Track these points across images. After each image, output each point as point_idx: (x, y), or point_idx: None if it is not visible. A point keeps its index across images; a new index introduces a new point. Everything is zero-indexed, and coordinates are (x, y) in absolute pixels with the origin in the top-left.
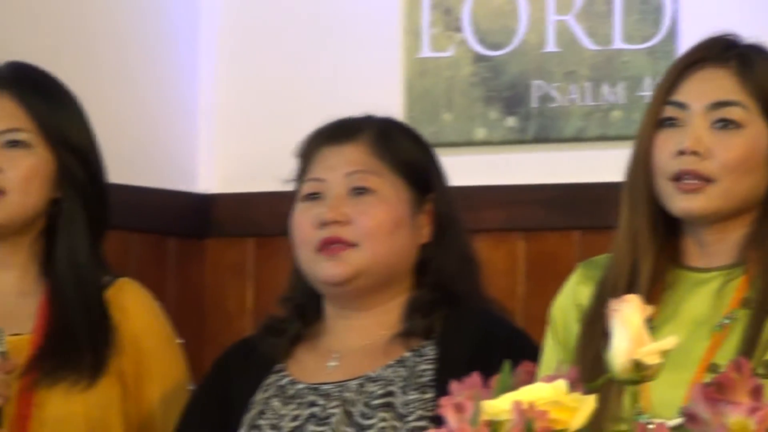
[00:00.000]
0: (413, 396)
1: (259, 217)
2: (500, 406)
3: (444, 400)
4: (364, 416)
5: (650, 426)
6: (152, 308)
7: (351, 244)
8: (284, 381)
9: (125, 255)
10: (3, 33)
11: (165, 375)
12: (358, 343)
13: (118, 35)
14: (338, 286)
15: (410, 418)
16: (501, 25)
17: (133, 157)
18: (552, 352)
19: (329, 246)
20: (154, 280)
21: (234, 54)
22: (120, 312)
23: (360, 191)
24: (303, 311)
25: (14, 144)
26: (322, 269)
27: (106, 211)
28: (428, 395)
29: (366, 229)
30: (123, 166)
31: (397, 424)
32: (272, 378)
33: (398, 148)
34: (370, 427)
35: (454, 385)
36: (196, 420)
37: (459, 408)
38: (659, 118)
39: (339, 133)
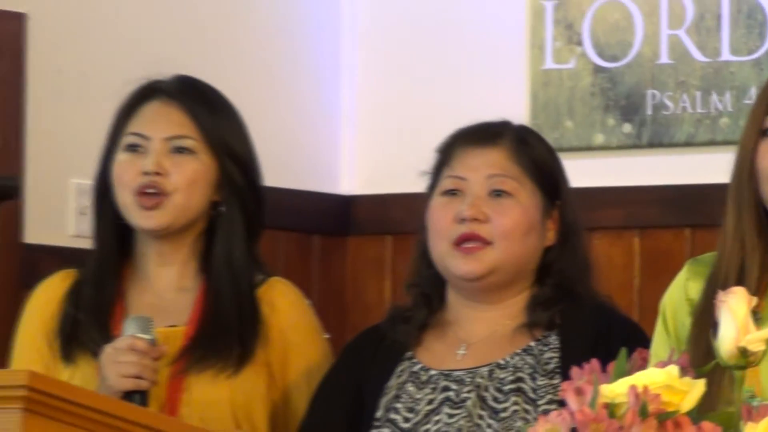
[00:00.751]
0: (542, 382)
1: (396, 216)
2: (617, 389)
3: (565, 385)
4: (497, 400)
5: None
6: (300, 305)
7: (487, 242)
8: (416, 367)
9: (274, 252)
10: (170, 49)
11: (310, 366)
12: (484, 332)
13: (267, 50)
14: (471, 282)
15: (541, 402)
16: (618, 39)
17: (281, 161)
18: (662, 341)
19: (466, 243)
20: (300, 275)
21: (373, 66)
22: (269, 308)
23: (498, 193)
24: (429, 299)
25: (180, 150)
26: (457, 265)
27: (262, 213)
28: (556, 381)
29: (502, 228)
30: (271, 170)
31: (528, 407)
32: (404, 364)
33: (535, 155)
34: (503, 410)
35: (574, 371)
36: (328, 400)
37: (579, 392)
38: (762, 128)
39: (482, 135)
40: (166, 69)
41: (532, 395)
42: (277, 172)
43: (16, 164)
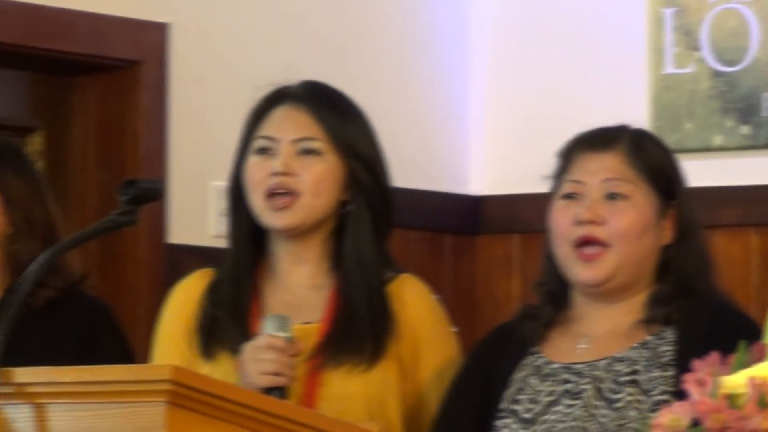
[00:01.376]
0: (656, 373)
1: (524, 216)
2: (737, 381)
3: (687, 376)
4: (613, 391)
5: None
6: (429, 300)
7: (604, 244)
8: (540, 361)
9: (406, 251)
10: (305, 55)
11: (440, 360)
12: (605, 328)
13: (397, 54)
14: (592, 287)
15: (654, 393)
16: (735, 44)
17: (413, 163)
18: None
19: (586, 249)
20: (431, 273)
21: (500, 69)
22: (400, 303)
23: (614, 196)
24: (554, 298)
25: (308, 152)
26: (579, 272)
27: (390, 212)
28: (669, 373)
29: (618, 230)
30: (403, 172)
31: (642, 398)
32: (529, 359)
33: (650, 158)
34: (618, 401)
35: (696, 363)
36: (459, 396)
37: (701, 383)
38: None
39: (599, 140)
40: (300, 74)
41: (646, 386)
42: (409, 173)
43: (160, 168)
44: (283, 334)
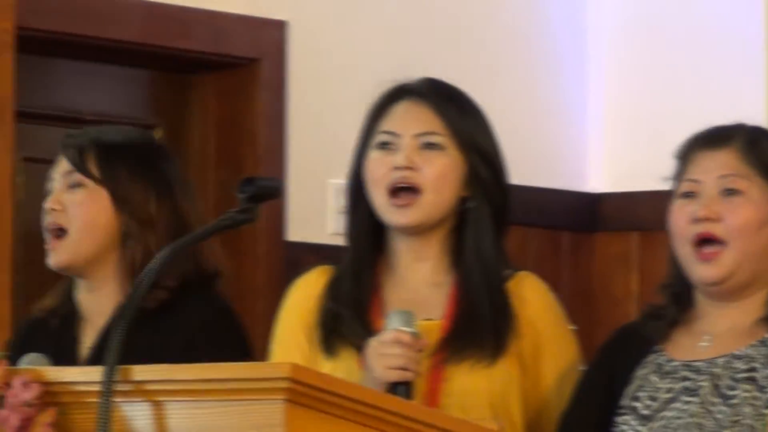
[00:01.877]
0: None
1: (643, 213)
2: None
3: None
4: (729, 388)
5: None
6: (548, 298)
7: (721, 242)
8: (661, 359)
9: (524, 248)
10: (423, 52)
11: (559, 356)
12: (726, 326)
13: (517, 52)
14: (712, 286)
15: None
16: None
17: (531, 160)
18: None
19: (705, 248)
20: (549, 270)
21: (619, 68)
22: (519, 300)
23: (730, 192)
24: (679, 298)
25: (430, 146)
26: (698, 271)
27: (509, 209)
28: None
29: (734, 226)
30: (522, 169)
31: (757, 394)
32: (651, 357)
33: (764, 154)
34: (733, 397)
35: None
36: (587, 395)
37: None
38: None
39: (714, 139)
40: (418, 71)
41: (762, 383)
42: (528, 171)
43: (279, 165)
44: (409, 330)
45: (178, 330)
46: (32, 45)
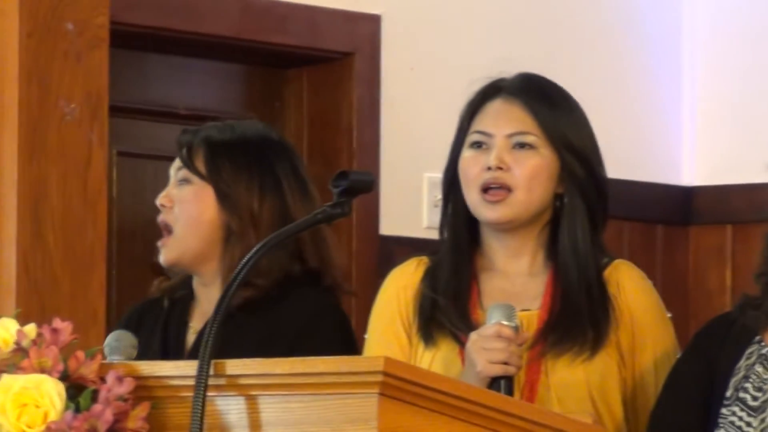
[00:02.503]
0: None
1: (737, 206)
2: None
3: None
4: None
5: None
6: (645, 284)
7: None
8: (765, 350)
9: (619, 241)
10: (519, 47)
11: (657, 345)
12: None
13: (610, 46)
14: None
15: None
16: None
17: (626, 155)
18: None
19: None
20: (643, 263)
21: (713, 62)
22: (616, 288)
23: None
24: None
25: (522, 146)
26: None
27: (605, 204)
28: None
29: None
30: (616, 163)
31: None
32: (753, 347)
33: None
34: None
35: None
36: (684, 384)
37: None
38: None
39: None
40: (514, 66)
41: None
42: (622, 165)
43: (373, 159)
44: (510, 324)
45: (284, 324)
46: (127, 40)
